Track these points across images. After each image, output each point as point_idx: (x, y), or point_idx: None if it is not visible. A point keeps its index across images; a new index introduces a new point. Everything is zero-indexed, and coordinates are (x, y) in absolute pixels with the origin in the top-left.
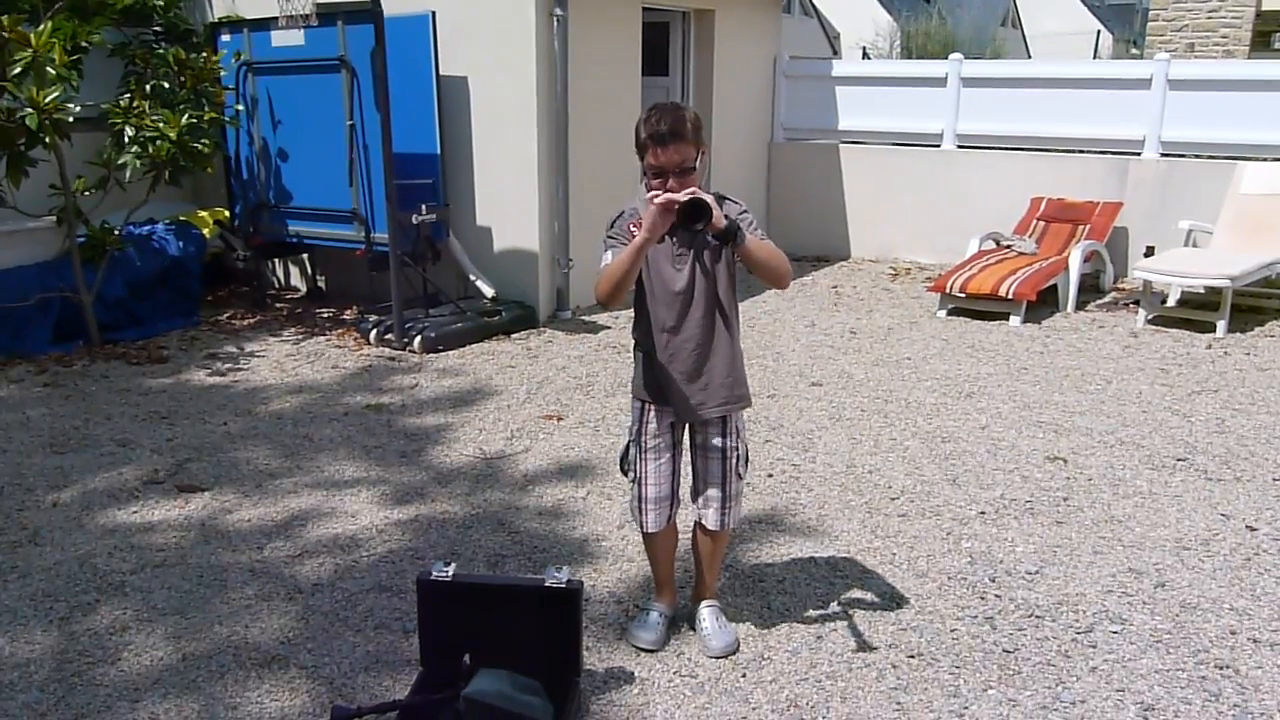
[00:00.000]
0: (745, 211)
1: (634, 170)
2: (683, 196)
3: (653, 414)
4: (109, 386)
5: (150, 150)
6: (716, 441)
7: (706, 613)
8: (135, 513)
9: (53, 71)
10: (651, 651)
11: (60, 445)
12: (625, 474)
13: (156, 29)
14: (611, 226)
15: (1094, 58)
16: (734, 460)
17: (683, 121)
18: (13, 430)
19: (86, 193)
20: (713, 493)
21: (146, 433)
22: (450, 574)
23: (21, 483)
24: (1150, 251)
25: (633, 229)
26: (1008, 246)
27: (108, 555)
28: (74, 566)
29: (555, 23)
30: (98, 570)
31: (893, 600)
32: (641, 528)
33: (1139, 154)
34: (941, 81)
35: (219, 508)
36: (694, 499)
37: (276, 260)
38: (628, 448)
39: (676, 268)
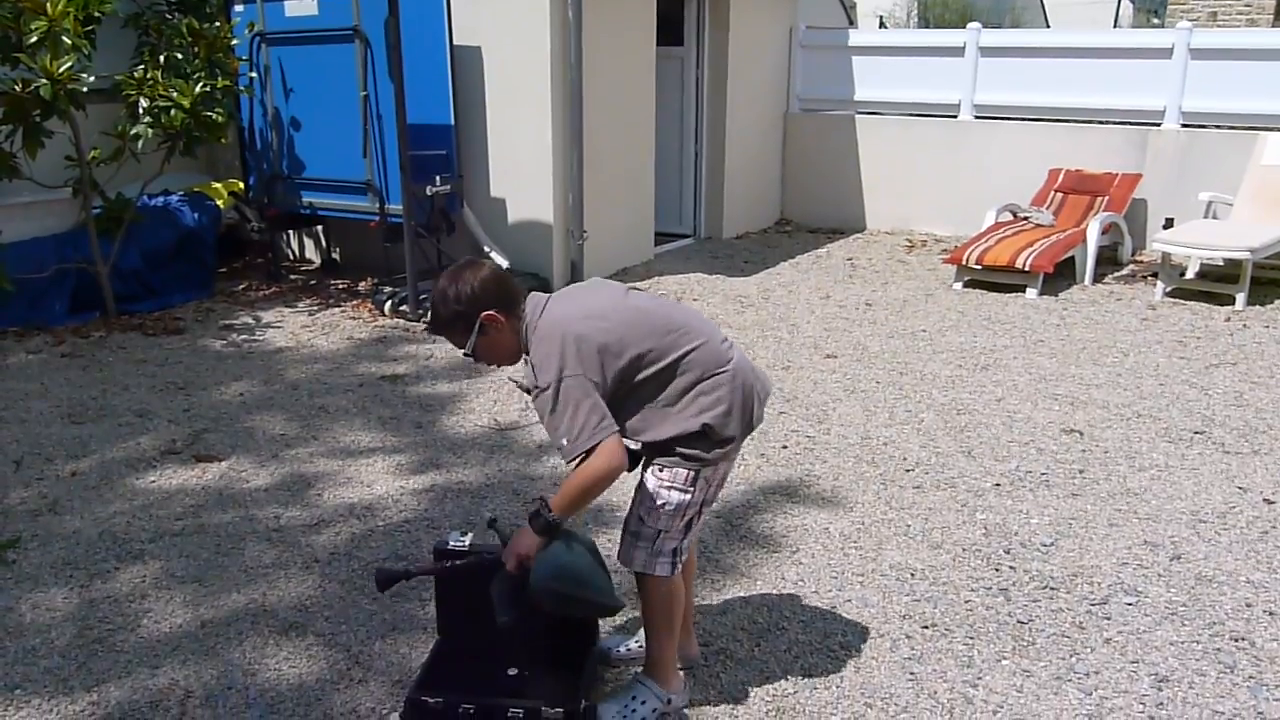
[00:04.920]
0: (543, 390)
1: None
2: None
3: None
4: (125, 357)
5: (164, 121)
6: (642, 473)
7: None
8: (153, 481)
9: (68, 41)
10: None
11: (78, 415)
12: None
13: None
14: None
15: (1114, 26)
16: (643, 500)
17: (439, 305)
18: (31, 400)
19: (101, 164)
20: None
21: (163, 403)
22: (467, 543)
23: (40, 452)
24: (1169, 223)
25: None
26: (1025, 218)
27: (126, 524)
28: (93, 535)
29: None
30: (116, 538)
31: (907, 571)
32: None
33: (1159, 124)
34: (959, 51)
35: (235, 477)
36: None
37: (291, 232)
38: None
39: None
